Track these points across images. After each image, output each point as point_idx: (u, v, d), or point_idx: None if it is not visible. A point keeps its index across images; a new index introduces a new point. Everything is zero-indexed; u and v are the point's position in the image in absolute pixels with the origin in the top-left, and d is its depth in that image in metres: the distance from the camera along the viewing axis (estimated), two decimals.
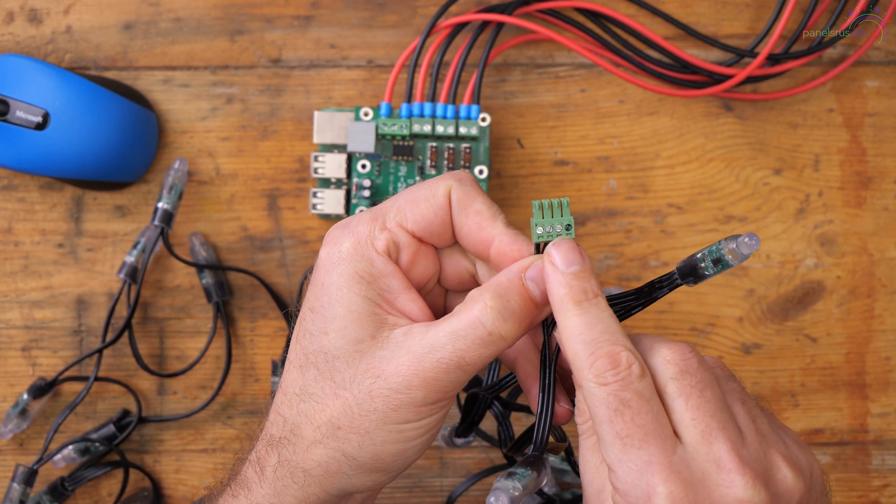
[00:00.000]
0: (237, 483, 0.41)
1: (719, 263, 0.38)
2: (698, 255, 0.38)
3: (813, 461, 0.39)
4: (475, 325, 0.38)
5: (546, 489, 0.55)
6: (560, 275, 0.38)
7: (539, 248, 0.39)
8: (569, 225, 0.38)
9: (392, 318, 0.39)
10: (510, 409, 0.46)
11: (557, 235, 0.39)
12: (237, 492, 0.41)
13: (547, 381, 0.39)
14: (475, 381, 0.54)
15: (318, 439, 0.39)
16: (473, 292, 0.39)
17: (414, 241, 0.40)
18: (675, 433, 0.36)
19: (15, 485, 0.54)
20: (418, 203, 0.40)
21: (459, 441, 0.52)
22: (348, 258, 0.39)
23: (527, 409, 0.47)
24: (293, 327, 0.41)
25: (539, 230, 0.38)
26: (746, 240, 0.37)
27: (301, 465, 0.39)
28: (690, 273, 0.39)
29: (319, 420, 0.39)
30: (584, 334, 0.37)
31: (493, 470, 0.57)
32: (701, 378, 0.37)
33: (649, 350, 0.38)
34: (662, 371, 0.37)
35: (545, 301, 0.39)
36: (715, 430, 0.36)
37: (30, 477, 0.54)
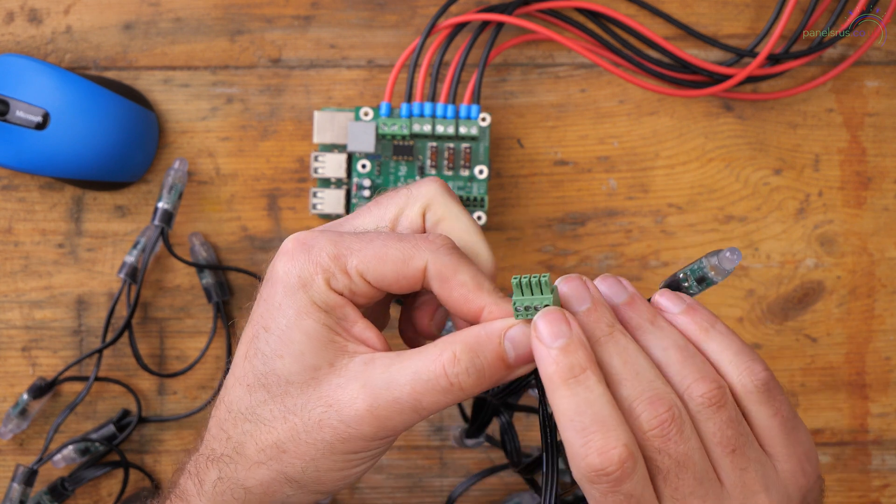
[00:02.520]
0: (176, 495, 0.41)
1: (703, 281, 0.37)
2: (681, 276, 0.38)
3: (808, 487, 0.39)
4: (439, 373, 0.37)
5: None
6: (546, 350, 0.36)
7: None
8: (547, 304, 0.37)
9: (352, 345, 0.39)
10: (513, 410, 0.46)
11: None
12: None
13: (548, 442, 0.38)
14: None
15: (261, 461, 0.39)
16: (447, 338, 0.37)
17: (373, 291, 0.39)
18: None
19: (15, 485, 0.54)
20: (386, 263, 0.38)
21: (470, 442, 0.52)
22: (306, 285, 0.38)
23: (531, 410, 0.46)
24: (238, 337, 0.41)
25: (520, 308, 0.37)
26: (728, 254, 0.36)
27: (242, 483, 0.39)
28: None
29: (265, 442, 0.38)
30: (573, 421, 0.36)
31: (493, 470, 0.57)
32: (678, 455, 0.36)
33: (629, 413, 0.37)
34: (641, 443, 0.37)
35: (518, 364, 0.38)
36: None
37: (30, 477, 0.54)
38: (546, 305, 0.36)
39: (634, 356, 0.37)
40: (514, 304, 0.37)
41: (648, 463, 0.37)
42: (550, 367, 0.36)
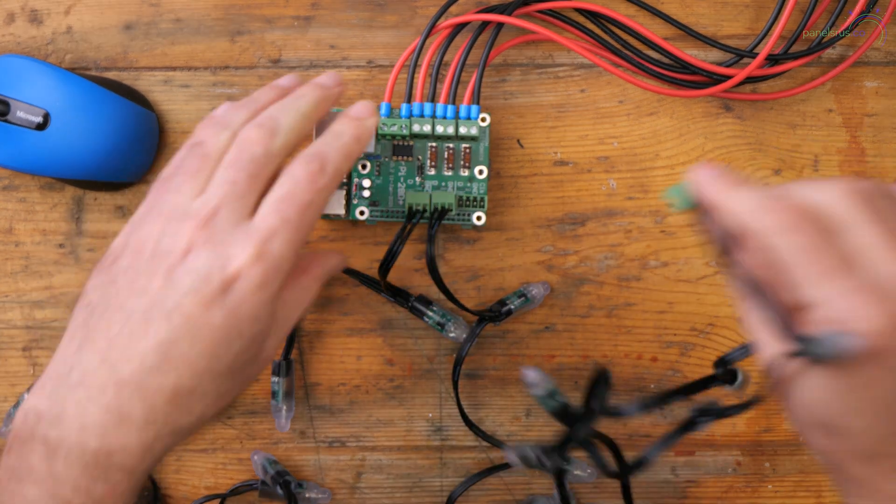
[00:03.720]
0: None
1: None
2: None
3: None
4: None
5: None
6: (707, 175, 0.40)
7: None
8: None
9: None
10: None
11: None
12: None
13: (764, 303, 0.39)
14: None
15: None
16: None
17: None
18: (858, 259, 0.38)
19: None
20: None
21: (549, 464, 0.48)
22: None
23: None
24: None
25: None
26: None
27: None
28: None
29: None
30: (759, 200, 0.38)
31: (492, 469, 0.57)
32: (876, 196, 0.38)
33: (815, 192, 0.39)
34: (842, 198, 0.38)
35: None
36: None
37: None
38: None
39: None
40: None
41: (851, 212, 0.38)
42: (713, 183, 0.40)
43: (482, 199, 0.55)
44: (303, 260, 0.48)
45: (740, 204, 0.39)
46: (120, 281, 0.43)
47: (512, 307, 0.56)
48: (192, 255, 0.42)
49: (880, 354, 0.37)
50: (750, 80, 0.57)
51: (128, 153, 0.55)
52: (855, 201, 0.38)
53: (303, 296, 0.47)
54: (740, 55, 0.57)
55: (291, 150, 0.45)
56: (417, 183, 0.55)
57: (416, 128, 0.54)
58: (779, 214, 0.38)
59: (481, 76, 0.55)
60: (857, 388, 0.38)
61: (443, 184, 0.55)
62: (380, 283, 0.56)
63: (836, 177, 0.40)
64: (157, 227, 0.43)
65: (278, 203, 0.43)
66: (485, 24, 0.56)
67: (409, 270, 0.58)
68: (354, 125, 0.48)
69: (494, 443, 0.56)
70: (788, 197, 0.39)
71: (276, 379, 0.56)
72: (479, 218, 0.55)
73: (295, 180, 0.44)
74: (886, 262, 0.37)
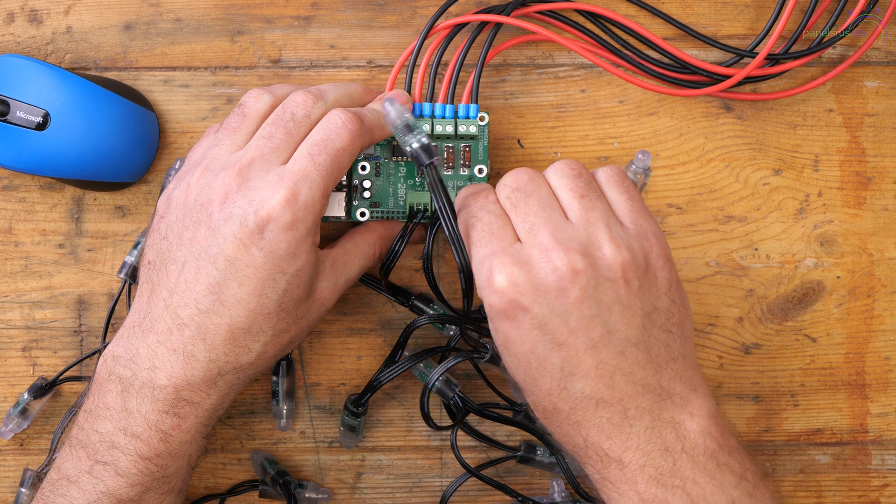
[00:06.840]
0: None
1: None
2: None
3: (650, 247, 0.47)
4: (373, 260, 0.55)
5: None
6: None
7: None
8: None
9: (319, 254, 0.52)
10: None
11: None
12: None
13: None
14: None
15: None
16: (366, 236, 0.54)
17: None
18: (518, 239, 0.46)
19: (23, 489, 0.54)
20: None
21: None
22: (309, 234, 0.48)
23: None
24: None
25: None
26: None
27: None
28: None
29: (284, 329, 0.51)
30: (463, 191, 0.50)
31: (489, 463, 0.57)
32: (527, 190, 0.47)
33: (499, 183, 0.48)
34: (501, 192, 0.48)
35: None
36: (538, 224, 0.46)
37: (38, 481, 0.54)
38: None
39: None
40: None
41: (505, 207, 0.47)
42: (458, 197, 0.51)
43: None
44: (371, 222, 0.54)
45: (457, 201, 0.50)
46: (170, 236, 0.47)
47: None
48: (228, 202, 0.46)
49: (508, 314, 0.45)
50: (750, 79, 0.57)
51: (127, 153, 0.55)
52: (515, 191, 0.47)
53: (364, 249, 0.53)
54: (740, 55, 0.57)
55: None
56: (417, 183, 0.55)
57: None
58: (463, 199, 0.49)
59: (479, 75, 0.55)
60: (507, 344, 0.46)
61: None
62: (380, 283, 0.56)
63: (517, 170, 0.48)
64: (196, 180, 0.47)
65: (311, 147, 0.47)
66: (484, 24, 0.55)
67: (409, 270, 0.58)
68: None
69: (494, 444, 0.56)
70: (486, 188, 0.49)
71: (276, 379, 0.56)
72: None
73: (330, 127, 0.48)
74: (526, 240, 0.46)
